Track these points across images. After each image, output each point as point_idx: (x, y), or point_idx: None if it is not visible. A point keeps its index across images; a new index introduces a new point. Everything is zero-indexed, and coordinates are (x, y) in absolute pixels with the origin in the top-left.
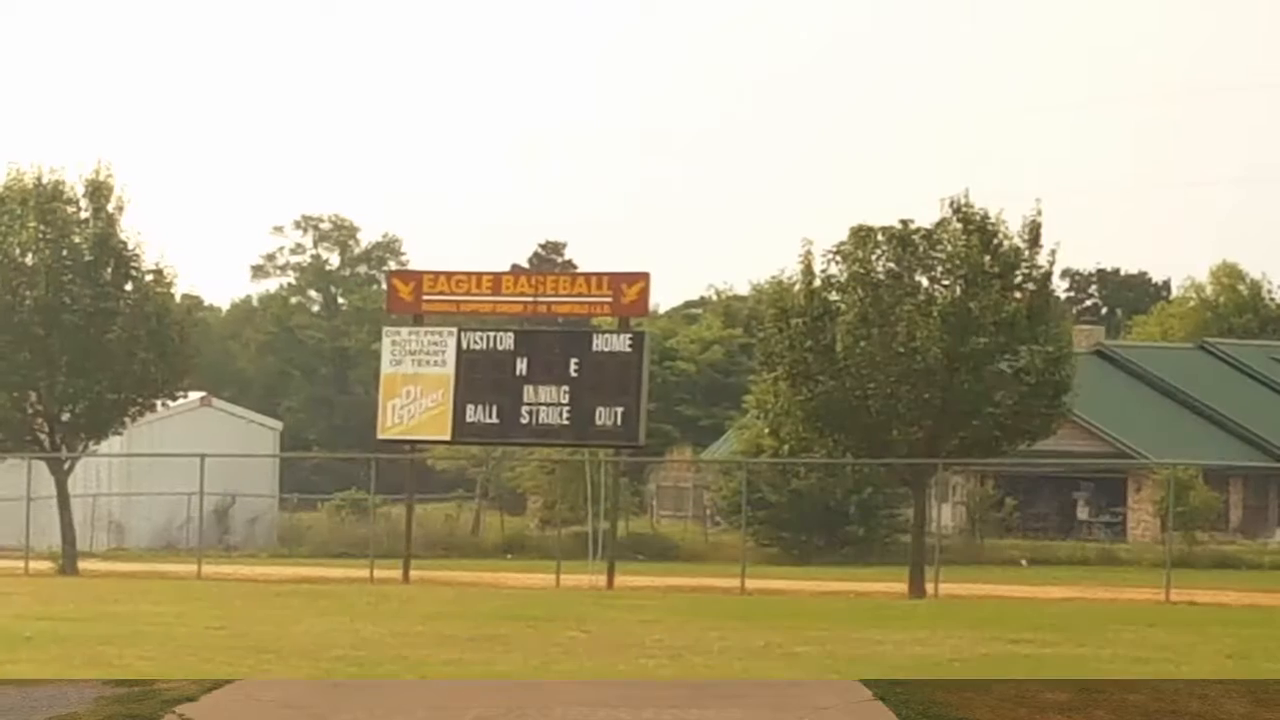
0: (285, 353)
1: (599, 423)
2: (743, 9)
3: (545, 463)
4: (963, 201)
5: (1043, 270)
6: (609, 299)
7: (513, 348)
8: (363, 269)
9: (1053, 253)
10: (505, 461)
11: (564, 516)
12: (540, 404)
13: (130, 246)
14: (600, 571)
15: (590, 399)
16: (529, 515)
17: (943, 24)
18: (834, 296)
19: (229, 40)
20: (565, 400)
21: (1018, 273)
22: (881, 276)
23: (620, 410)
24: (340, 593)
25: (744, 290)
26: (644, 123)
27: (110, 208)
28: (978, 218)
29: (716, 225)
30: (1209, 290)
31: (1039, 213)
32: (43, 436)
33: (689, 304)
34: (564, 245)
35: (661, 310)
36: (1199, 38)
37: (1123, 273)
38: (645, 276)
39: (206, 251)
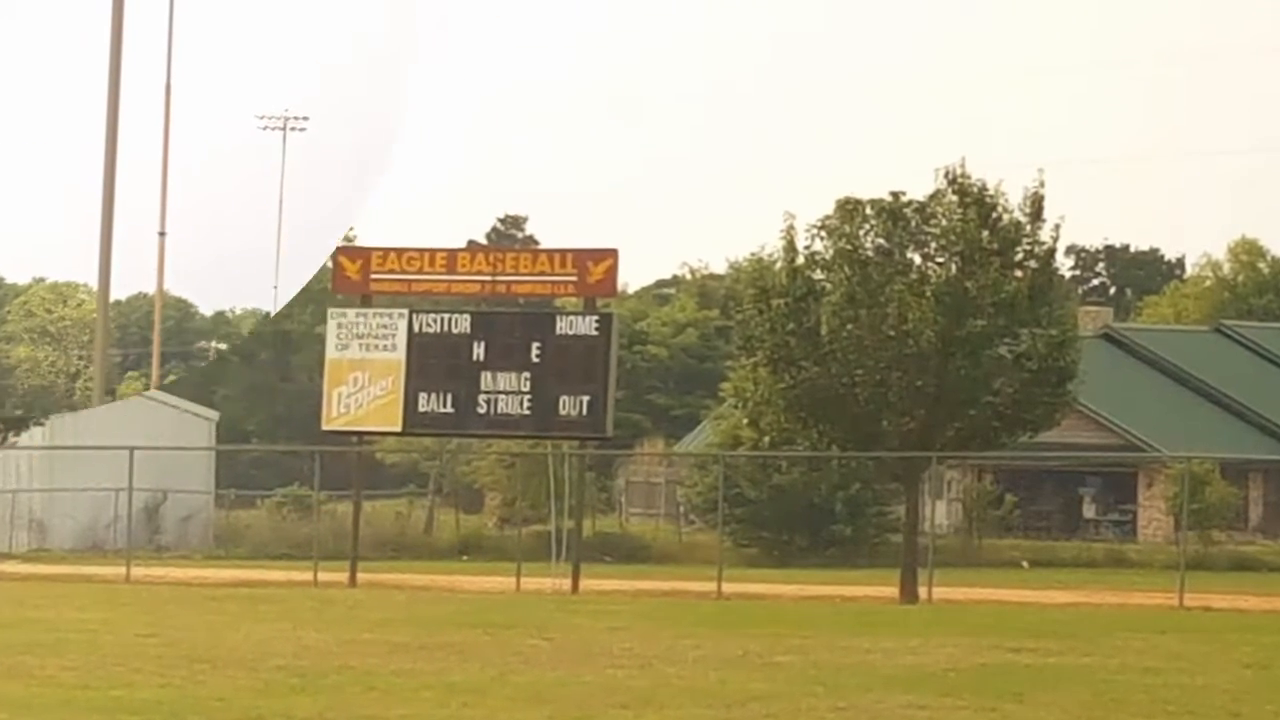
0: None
1: (563, 412)
2: None
3: (504, 456)
4: (959, 172)
5: (1046, 246)
6: (574, 278)
7: (469, 331)
8: None
9: (1056, 227)
10: (461, 455)
11: (525, 514)
12: (499, 392)
13: None
14: (564, 574)
15: (553, 387)
16: (486, 513)
17: None
18: (818, 275)
19: None
20: (526, 388)
21: (1018, 249)
22: (870, 253)
23: (586, 399)
24: (281, 597)
25: (720, 268)
26: (613, 87)
27: None
28: (975, 189)
29: (690, 198)
30: (1226, 268)
31: (1041, 184)
32: None
33: (661, 283)
34: (525, 219)
35: (631, 290)
36: None
37: (1132, 249)
38: (613, 253)
39: None
